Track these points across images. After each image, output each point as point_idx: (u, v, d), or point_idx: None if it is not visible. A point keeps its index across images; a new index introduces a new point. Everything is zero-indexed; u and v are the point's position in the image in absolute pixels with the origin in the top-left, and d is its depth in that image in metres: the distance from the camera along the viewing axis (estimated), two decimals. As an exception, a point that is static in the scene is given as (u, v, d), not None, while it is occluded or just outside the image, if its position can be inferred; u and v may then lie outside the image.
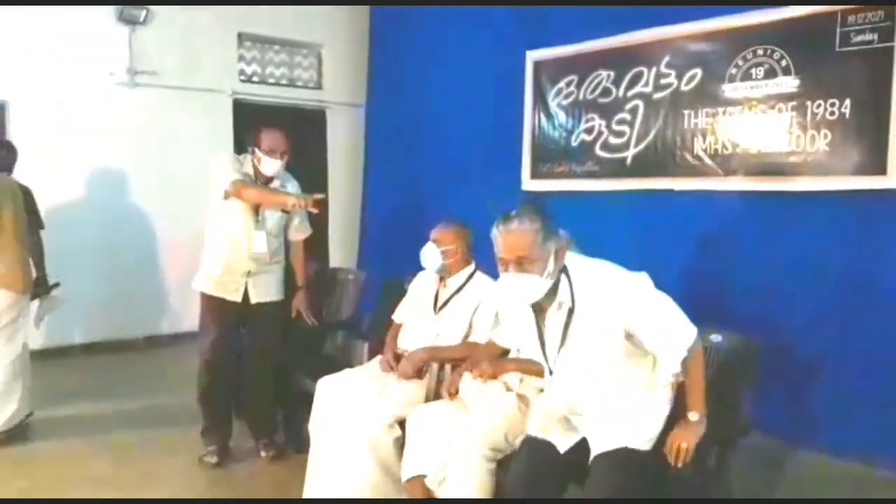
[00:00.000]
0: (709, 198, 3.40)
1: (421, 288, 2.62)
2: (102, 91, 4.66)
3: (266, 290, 2.84)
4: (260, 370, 2.90)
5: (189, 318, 4.44)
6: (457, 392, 2.24)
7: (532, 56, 4.19)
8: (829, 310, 2.99)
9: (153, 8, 4.73)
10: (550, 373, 1.83)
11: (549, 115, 4.13)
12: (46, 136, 4.45)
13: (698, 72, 3.43)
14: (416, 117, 4.94)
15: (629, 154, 3.75)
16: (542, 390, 2.04)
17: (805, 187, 3.07)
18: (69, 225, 4.52)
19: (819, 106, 3.00)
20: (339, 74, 5.69)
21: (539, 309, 1.77)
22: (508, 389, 2.19)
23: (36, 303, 3.40)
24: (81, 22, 4.54)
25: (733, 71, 3.29)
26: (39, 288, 3.32)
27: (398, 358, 2.47)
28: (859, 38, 2.87)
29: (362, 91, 5.60)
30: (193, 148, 4.90)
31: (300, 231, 2.97)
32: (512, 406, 2.09)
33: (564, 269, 1.72)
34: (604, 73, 3.84)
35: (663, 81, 3.58)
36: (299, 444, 2.80)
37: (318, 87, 5.71)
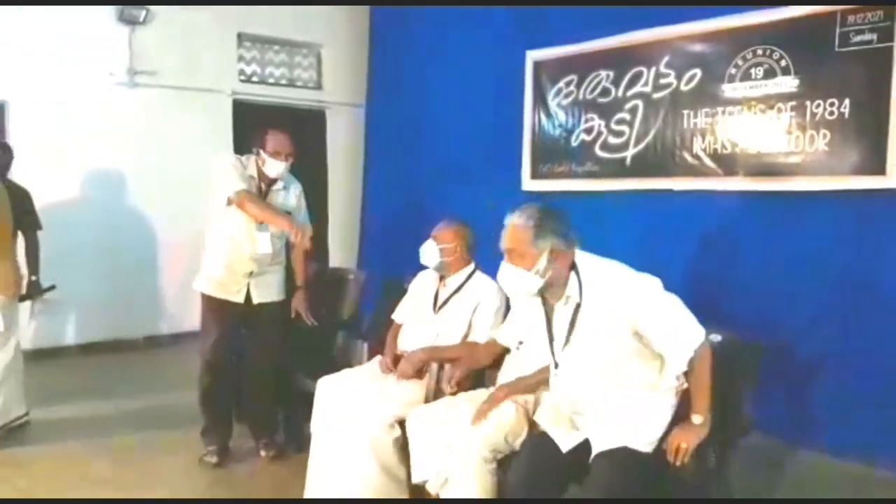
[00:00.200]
0: (708, 198, 3.40)
1: (421, 287, 2.62)
2: (102, 91, 4.66)
3: (268, 291, 2.85)
4: (260, 370, 2.91)
5: (189, 318, 4.44)
6: (459, 385, 2.24)
7: (532, 56, 4.19)
8: (829, 310, 2.99)
9: (153, 8, 4.73)
10: (556, 366, 1.84)
11: (549, 115, 4.13)
12: (46, 136, 4.45)
13: (698, 72, 3.43)
14: (416, 117, 4.94)
15: (629, 154, 3.75)
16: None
17: (804, 187, 3.07)
18: (69, 225, 4.52)
19: (818, 106, 3.01)
20: (339, 74, 5.69)
21: (547, 302, 1.80)
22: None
23: (28, 304, 3.39)
24: (81, 22, 4.54)
25: (733, 71, 3.29)
26: (33, 290, 3.29)
27: (397, 360, 2.48)
28: (858, 38, 2.87)
29: (362, 91, 5.60)
30: (193, 148, 4.91)
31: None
32: (511, 408, 2.08)
33: (574, 267, 1.76)
34: (603, 73, 3.84)
35: (663, 81, 3.58)
36: (300, 443, 2.80)
37: (318, 87, 5.71)
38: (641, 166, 3.69)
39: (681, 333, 1.73)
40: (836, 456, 2.79)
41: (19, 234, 3.27)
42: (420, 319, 2.55)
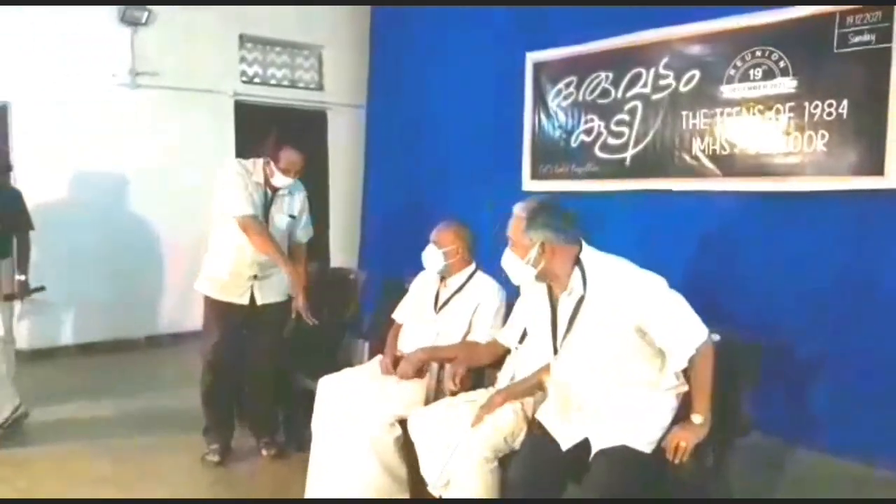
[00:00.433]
0: (707, 198, 3.40)
1: (421, 287, 2.62)
2: (104, 92, 4.67)
3: (271, 292, 2.86)
4: (261, 370, 2.91)
5: (190, 317, 4.45)
6: (461, 384, 2.25)
7: (532, 57, 4.20)
8: (829, 310, 3.00)
9: (155, 9, 4.74)
10: (555, 352, 1.86)
11: (549, 116, 4.14)
12: (48, 137, 4.47)
13: (697, 73, 3.44)
14: (417, 118, 4.95)
15: (628, 155, 3.76)
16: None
17: (803, 188, 3.08)
18: (70, 225, 4.53)
19: (817, 107, 3.01)
20: (340, 75, 5.71)
21: (553, 292, 1.84)
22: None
23: (16, 305, 3.40)
24: (83, 23, 4.55)
25: (732, 72, 3.30)
26: (21, 290, 3.29)
27: (397, 361, 2.48)
28: (857, 39, 2.87)
29: (363, 92, 5.61)
30: (195, 149, 4.92)
31: (307, 234, 3.00)
32: (508, 411, 2.08)
33: (578, 262, 1.79)
34: (603, 74, 3.85)
35: (662, 82, 3.59)
36: (300, 443, 2.81)
37: (319, 88, 5.73)
38: (641, 167, 3.70)
39: (683, 331, 1.75)
40: (836, 456, 2.79)
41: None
42: (421, 319, 2.55)
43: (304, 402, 2.60)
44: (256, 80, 5.44)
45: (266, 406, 2.97)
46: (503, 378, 2.28)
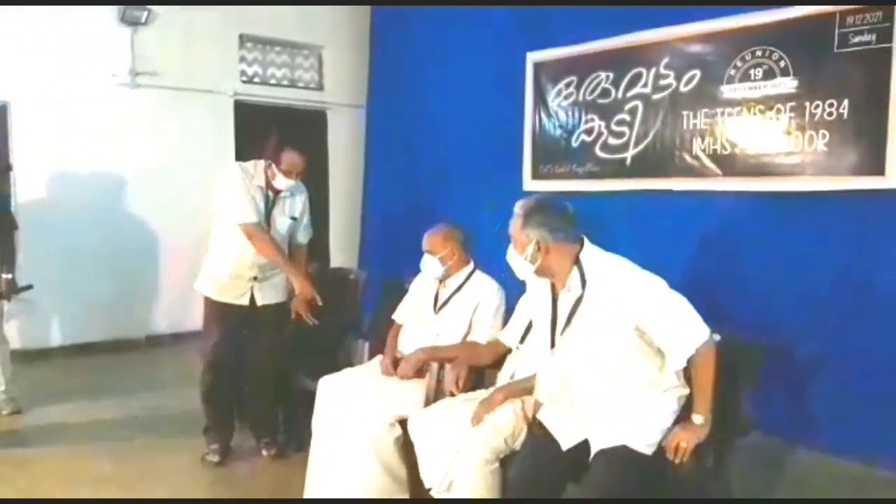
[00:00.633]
0: (708, 198, 3.40)
1: (421, 288, 2.62)
2: (104, 92, 4.66)
3: (272, 293, 2.86)
4: (262, 370, 2.91)
5: (190, 317, 4.44)
6: (465, 385, 2.24)
7: (532, 57, 4.20)
8: (829, 310, 3.00)
9: (155, 9, 4.74)
10: (552, 345, 1.87)
11: (550, 116, 4.14)
12: (48, 137, 4.46)
13: (697, 73, 3.44)
14: (417, 118, 4.95)
15: (629, 155, 3.76)
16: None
17: (803, 188, 3.08)
18: (70, 224, 4.53)
19: (817, 107, 3.01)
20: (340, 75, 5.71)
21: (555, 287, 1.86)
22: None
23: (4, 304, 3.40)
24: (83, 22, 4.55)
25: (732, 72, 3.30)
26: (7, 289, 3.29)
27: (397, 362, 2.48)
28: (857, 38, 2.87)
29: (363, 92, 5.61)
30: (195, 149, 4.92)
31: (307, 235, 3.00)
32: (507, 412, 2.08)
33: (577, 261, 1.80)
34: (603, 74, 3.85)
35: (662, 82, 3.59)
36: (300, 443, 2.81)
37: (319, 87, 5.72)
38: (641, 167, 3.70)
39: (683, 330, 1.75)
40: (836, 456, 2.79)
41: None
42: (420, 320, 2.55)
43: (305, 403, 2.60)
44: (256, 79, 5.44)
45: (266, 406, 2.97)
46: (503, 378, 2.28)
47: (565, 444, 1.83)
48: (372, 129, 5.54)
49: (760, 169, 3.23)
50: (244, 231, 2.70)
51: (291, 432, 3.00)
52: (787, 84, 3.11)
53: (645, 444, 1.78)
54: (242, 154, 4.71)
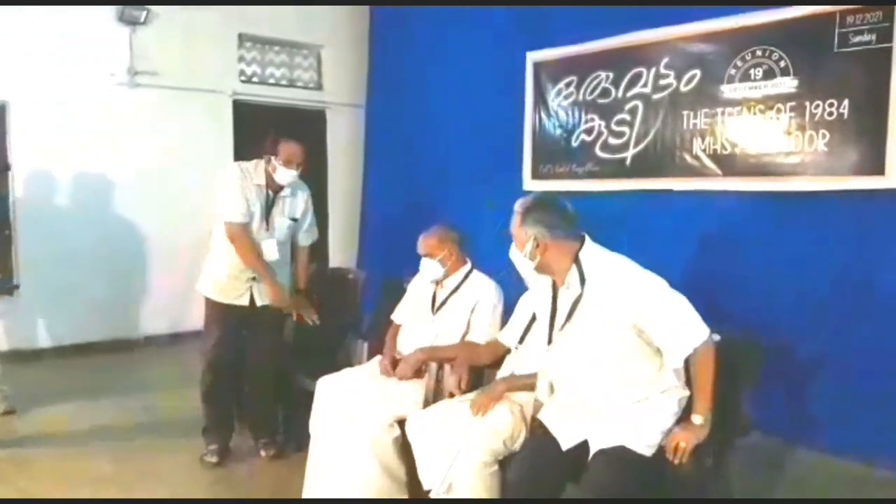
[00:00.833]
0: (708, 198, 3.40)
1: (419, 288, 2.62)
2: (103, 91, 4.66)
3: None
4: (261, 371, 2.91)
5: (189, 317, 4.45)
6: (467, 387, 2.24)
7: (532, 57, 4.20)
8: (829, 310, 3.00)
9: (153, 8, 4.73)
10: (549, 341, 1.88)
11: (550, 116, 4.14)
12: (47, 137, 4.46)
13: (697, 72, 3.44)
14: (416, 118, 4.95)
15: (629, 154, 3.76)
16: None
17: (803, 187, 3.08)
18: (69, 224, 4.53)
19: (817, 106, 3.01)
20: (339, 75, 5.70)
21: (556, 284, 1.87)
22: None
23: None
24: (82, 22, 4.54)
25: (732, 72, 3.30)
26: None
27: (396, 363, 2.48)
28: (857, 38, 2.87)
29: (362, 91, 5.61)
30: (194, 148, 4.92)
31: (310, 237, 2.99)
32: (506, 414, 2.08)
33: (577, 259, 1.81)
34: (603, 74, 3.85)
35: (662, 82, 3.59)
36: (299, 443, 2.80)
37: (319, 87, 5.72)
38: (641, 167, 3.70)
39: (683, 330, 1.74)
40: (836, 456, 2.79)
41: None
42: (419, 320, 2.55)
43: (304, 403, 2.60)
44: (255, 79, 5.44)
45: (266, 406, 2.97)
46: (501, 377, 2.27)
47: (565, 444, 1.83)
48: (371, 129, 5.54)
49: (760, 169, 3.23)
50: (227, 231, 2.70)
51: (290, 432, 3.00)
52: (787, 84, 3.11)
53: (645, 446, 1.78)
54: (241, 154, 4.70)
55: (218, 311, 2.81)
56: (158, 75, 4.82)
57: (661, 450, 1.79)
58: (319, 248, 4.99)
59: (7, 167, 4.38)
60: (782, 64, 3.13)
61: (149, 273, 4.89)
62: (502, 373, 2.30)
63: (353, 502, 2.25)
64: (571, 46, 3.97)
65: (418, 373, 2.42)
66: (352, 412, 2.32)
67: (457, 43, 4.59)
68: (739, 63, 3.28)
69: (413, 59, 5.00)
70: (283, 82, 5.59)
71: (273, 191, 2.78)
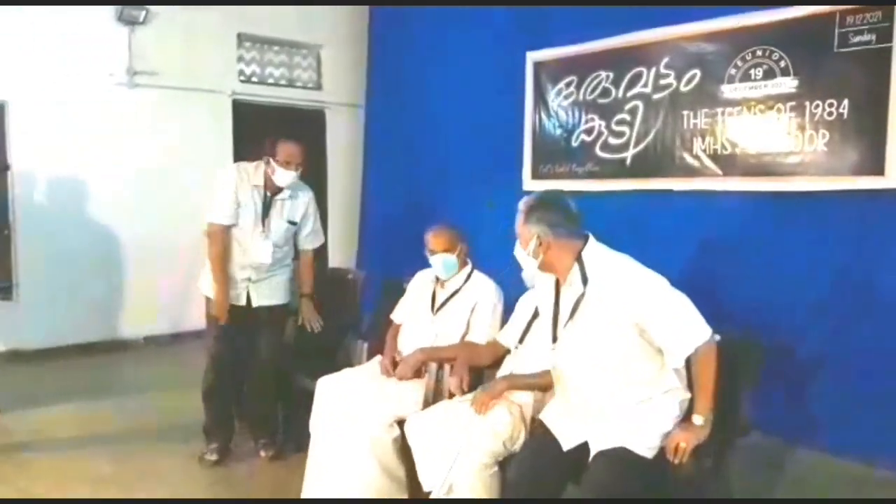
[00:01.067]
0: (708, 198, 3.40)
1: (418, 288, 2.62)
2: (102, 91, 4.66)
3: (269, 294, 2.85)
4: (261, 371, 2.91)
5: (189, 317, 4.45)
6: (469, 388, 2.24)
7: (532, 57, 4.19)
8: (829, 310, 3.00)
9: (153, 8, 4.73)
10: (554, 340, 1.87)
11: (550, 116, 4.14)
12: (46, 137, 4.45)
13: (697, 72, 3.44)
14: (416, 117, 4.94)
15: (629, 154, 3.76)
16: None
17: (803, 187, 3.08)
18: (68, 224, 4.53)
19: (817, 106, 3.01)
20: (339, 75, 5.70)
21: (559, 283, 1.87)
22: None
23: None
24: (81, 22, 4.54)
25: (732, 72, 3.30)
26: None
27: (396, 363, 2.47)
28: (857, 38, 2.87)
29: (362, 91, 5.61)
30: (193, 148, 4.91)
31: (313, 241, 2.97)
32: (504, 415, 2.08)
33: (579, 258, 1.81)
34: (603, 74, 3.85)
35: (662, 82, 3.59)
36: (299, 443, 2.80)
37: (318, 87, 5.72)
38: (641, 167, 3.70)
39: (684, 329, 1.74)
40: (836, 456, 2.79)
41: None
42: (419, 320, 2.54)
43: (304, 403, 2.60)
44: (255, 79, 5.43)
45: (266, 407, 2.96)
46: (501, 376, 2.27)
47: (566, 444, 1.83)
48: (371, 129, 5.53)
49: (761, 169, 3.23)
50: (207, 229, 2.73)
51: (290, 432, 3.00)
52: (788, 84, 3.11)
53: (645, 447, 1.78)
54: (241, 154, 4.70)
55: None
56: (158, 75, 4.82)
57: (661, 451, 1.79)
58: (319, 249, 4.99)
59: (6, 167, 4.38)
60: (782, 64, 3.13)
61: (148, 273, 4.88)
62: (502, 373, 2.30)
63: (353, 502, 2.24)
64: (571, 46, 3.97)
65: (418, 373, 2.42)
66: (352, 412, 2.32)
67: (457, 43, 4.59)
68: (739, 63, 3.28)
69: (413, 58, 4.99)
70: (283, 82, 5.58)
71: (271, 192, 2.77)
